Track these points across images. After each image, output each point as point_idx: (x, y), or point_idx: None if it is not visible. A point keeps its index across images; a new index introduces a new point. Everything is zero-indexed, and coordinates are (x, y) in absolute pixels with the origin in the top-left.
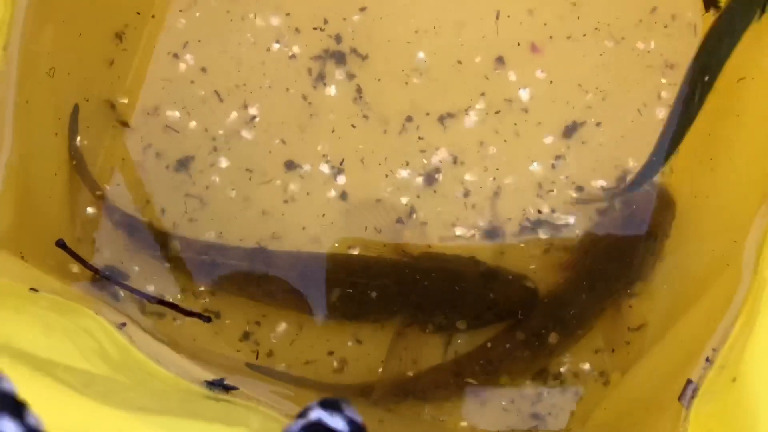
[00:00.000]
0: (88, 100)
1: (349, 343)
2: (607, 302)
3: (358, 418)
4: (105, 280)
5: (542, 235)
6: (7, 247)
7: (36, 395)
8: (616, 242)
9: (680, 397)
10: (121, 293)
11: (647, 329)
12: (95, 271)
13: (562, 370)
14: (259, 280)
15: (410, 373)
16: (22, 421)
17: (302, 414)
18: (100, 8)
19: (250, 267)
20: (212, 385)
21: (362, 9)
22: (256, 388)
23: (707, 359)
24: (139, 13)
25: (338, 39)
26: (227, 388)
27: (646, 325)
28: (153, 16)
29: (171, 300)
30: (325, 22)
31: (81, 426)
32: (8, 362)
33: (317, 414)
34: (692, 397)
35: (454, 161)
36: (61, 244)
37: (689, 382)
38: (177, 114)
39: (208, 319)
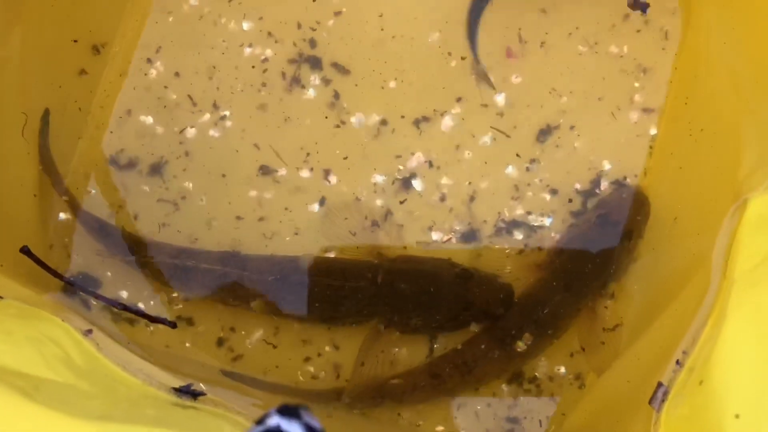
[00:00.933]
0: (62, 105)
1: (327, 348)
2: (582, 303)
3: (317, 424)
4: (71, 286)
5: (518, 236)
6: None
7: None
8: (590, 242)
9: (651, 401)
10: (93, 301)
11: (622, 330)
12: (60, 277)
13: (537, 374)
14: (233, 285)
15: (386, 376)
16: None
17: (261, 421)
18: (72, 12)
19: (224, 271)
20: (179, 392)
21: (337, 13)
22: (230, 396)
23: (677, 362)
24: (110, 18)
25: (312, 43)
26: (195, 395)
27: (621, 326)
28: (125, 21)
29: (143, 306)
30: (299, 26)
31: None
32: None
33: (275, 420)
34: (663, 401)
35: (430, 165)
36: (25, 251)
37: (660, 385)
38: (150, 119)
39: (173, 325)
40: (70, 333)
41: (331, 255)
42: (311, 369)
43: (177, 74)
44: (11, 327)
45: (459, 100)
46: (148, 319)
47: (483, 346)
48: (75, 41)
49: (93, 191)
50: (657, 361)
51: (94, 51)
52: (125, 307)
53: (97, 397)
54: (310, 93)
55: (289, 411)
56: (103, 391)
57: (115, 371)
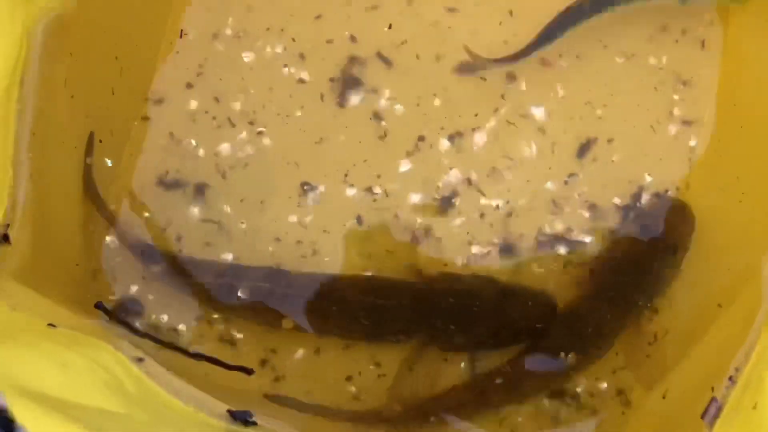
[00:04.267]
0: (107, 130)
1: (369, 366)
2: (627, 318)
3: None
4: (141, 336)
5: (559, 251)
6: (24, 281)
7: None
8: (634, 257)
9: (703, 415)
10: (136, 322)
11: (668, 345)
12: (130, 327)
13: (578, 390)
14: (276, 303)
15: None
16: None
17: None
18: (114, 37)
19: (269, 288)
20: (235, 415)
21: (389, 27)
22: (273, 420)
23: (730, 378)
24: (151, 43)
25: (350, 62)
26: (248, 423)
27: (666, 341)
28: (165, 46)
29: (183, 327)
30: (332, 43)
31: None
32: (23, 403)
33: None
34: (716, 416)
35: (469, 181)
36: (99, 307)
37: (713, 400)
38: (192, 141)
39: (251, 372)
40: (122, 361)
41: (370, 273)
42: (353, 389)
43: (216, 98)
44: (66, 358)
45: (496, 111)
46: (225, 366)
47: (526, 364)
48: (120, 70)
49: (136, 214)
50: (708, 378)
51: (136, 77)
52: (199, 355)
53: (151, 425)
54: (348, 112)
55: None
56: (156, 418)
57: (167, 398)
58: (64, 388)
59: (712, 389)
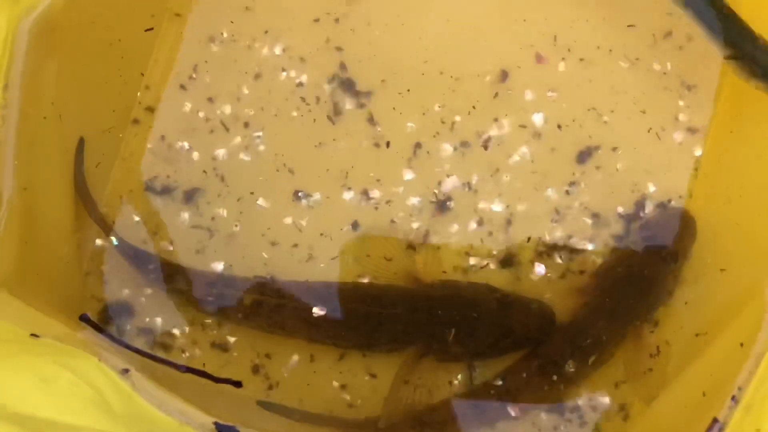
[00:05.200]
0: (97, 133)
1: (363, 376)
2: (627, 328)
3: None
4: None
5: (559, 260)
6: (9, 288)
7: None
8: (634, 266)
9: None
10: (128, 326)
11: (669, 357)
12: (127, 346)
13: (579, 402)
14: (269, 311)
15: (424, 405)
16: None
17: None
18: (105, 40)
19: (260, 298)
20: (221, 429)
21: (372, 38)
22: (266, 427)
23: (733, 398)
24: (143, 46)
25: (346, 67)
26: None
27: (667, 353)
28: (158, 48)
29: (177, 332)
30: (336, 49)
31: None
32: (3, 426)
33: None
34: None
35: (468, 187)
36: (85, 319)
37: (715, 420)
38: (185, 144)
39: (238, 384)
40: (107, 373)
41: (366, 280)
42: (347, 397)
43: (210, 100)
44: (49, 373)
45: (496, 120)
46: (213, 379)
47: (524, 375)
48: (116, 72)
49: (128, 218)
50: (709, 394)
51: (127, 79)
52: (189, 369)
53: None
54: (344, 116)
55: None
56: None
57: (152, 412)
58: (44, 406)
59: (715, 419)
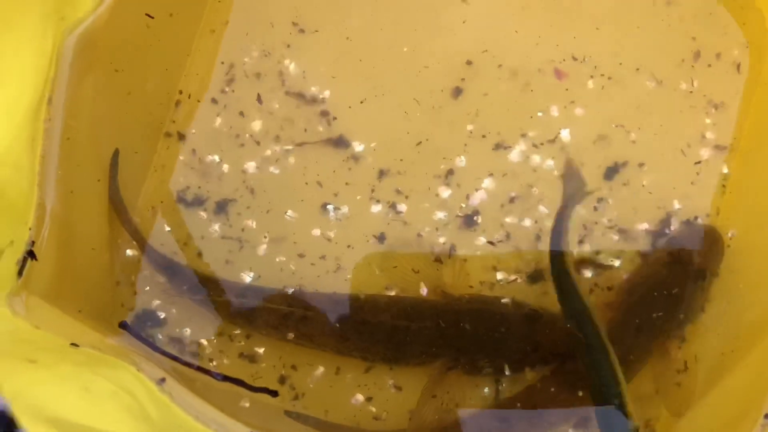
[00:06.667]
0: (131, 145)
1: (390, 389)
2: (654, 345)
3: None
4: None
5: (586, 276)
6: (49, 298)
7: None
8: (662, 282)
9: None
10: (160, 336)
11: (697, 372)
12: (166, 354)
13: None
14: (296, 323)
15: (451, 419)
16: None
17: None
18: (140, 56)
19: (288, 309)
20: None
21: (398, 54)
22: None
23: (766, 416)
24: (177, 61)
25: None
26: None
27: (696, 368)
28: (192, 64)
29: (205, 342)
30: (360, 60)
31: None
32: (41, 428)
33: None
34: None
35: (495, 202)
36: (124, 326)
37: None
38: (216, 157)
39: (275, 393)
40: (144, 383)
41: (393, 293)
42: (373, 409)
43: (241, 114)
44: (89, 382)
45: (524, 136)
46: (249, 389)
47: (552, 389)
48: (151, 85)
49: (160, 229)
50: (740, 411)
51: (161, 93)
52: (226, 378)
53: None
54: None
55: None
56: None
57: (189, 422)
58: (85, 413)
59: None
